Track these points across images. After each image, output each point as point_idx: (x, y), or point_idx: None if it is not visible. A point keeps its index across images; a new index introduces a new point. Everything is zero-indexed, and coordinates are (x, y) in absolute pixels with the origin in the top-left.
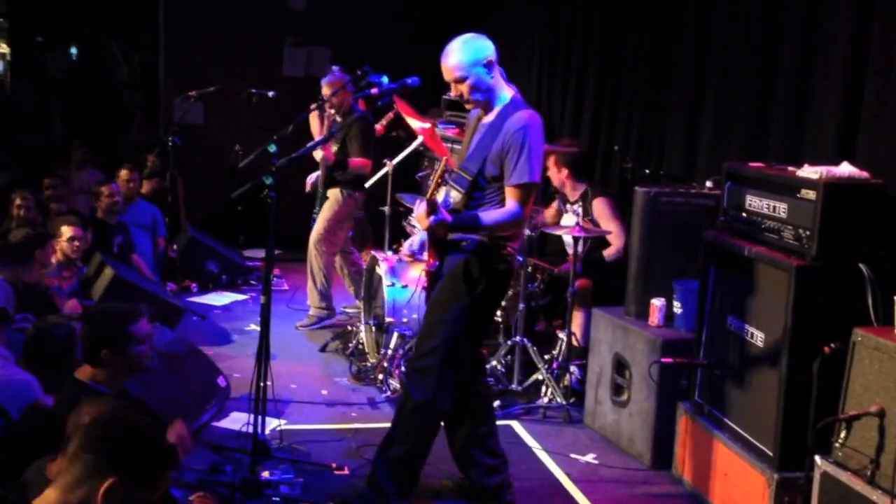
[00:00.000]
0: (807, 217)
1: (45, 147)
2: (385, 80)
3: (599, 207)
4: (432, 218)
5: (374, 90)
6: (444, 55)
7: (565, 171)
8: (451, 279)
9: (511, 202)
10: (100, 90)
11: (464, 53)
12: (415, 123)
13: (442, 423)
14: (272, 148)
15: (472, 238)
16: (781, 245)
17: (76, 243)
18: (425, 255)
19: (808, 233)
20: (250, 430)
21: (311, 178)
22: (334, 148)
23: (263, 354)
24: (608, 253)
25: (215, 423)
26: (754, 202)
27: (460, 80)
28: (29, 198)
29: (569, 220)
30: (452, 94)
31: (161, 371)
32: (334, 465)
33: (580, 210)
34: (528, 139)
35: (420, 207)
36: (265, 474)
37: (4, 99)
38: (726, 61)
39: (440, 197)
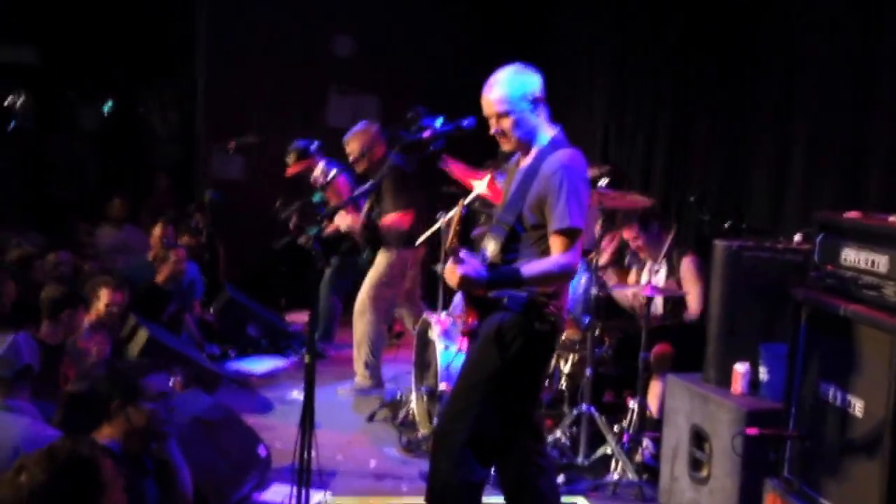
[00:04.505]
0: None
1: (78, 203)
2: (439, 122)
3: (686, 266)
4: (459, 270)
5: (426, 133)
6: (487, 86)
7: (651, 230)
8: (483, 340)
9: (554, 252)
10: (133, 144)
11: (510, 87)
12: (472, 181)
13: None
14: (316, 198)
15: (516, 295)
16: (882, 303)
17: (114, 309)
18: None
19: None
20: (293, 503)
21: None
22: (367, 205)
23: (307, 422)
24: (687, 315)
25: (256, 496)
26: (850, 256)
27: (503, 116)
28: (65, 254)
29: (656, 279)
30: (492, 129)
31: (198, 438)
32: None
33: (665, 268)
34: (566, 180)
35: (448, 262)
36: None
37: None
38: (816, 99)
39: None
